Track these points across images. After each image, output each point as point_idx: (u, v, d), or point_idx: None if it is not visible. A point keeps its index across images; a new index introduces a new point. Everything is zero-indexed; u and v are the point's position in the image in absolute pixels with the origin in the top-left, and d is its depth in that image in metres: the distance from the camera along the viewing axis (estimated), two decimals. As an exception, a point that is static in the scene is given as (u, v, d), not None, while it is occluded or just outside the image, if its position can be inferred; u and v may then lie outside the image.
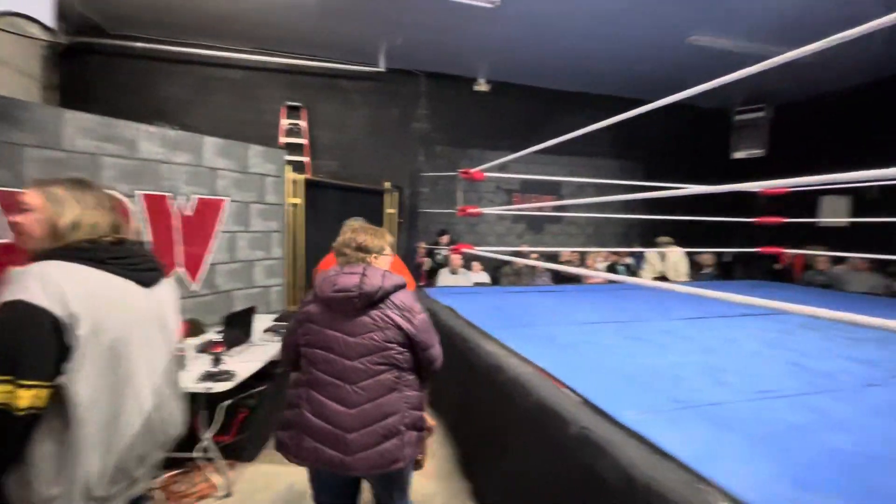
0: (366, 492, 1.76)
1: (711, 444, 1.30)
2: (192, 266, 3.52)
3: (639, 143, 7.15)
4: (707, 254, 5.64)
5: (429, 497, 2.42)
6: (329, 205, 5.37)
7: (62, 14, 4.55)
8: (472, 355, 2.31)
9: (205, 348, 2.64)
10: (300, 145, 5.83)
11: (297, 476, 2.61)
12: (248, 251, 3.97)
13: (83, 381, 1.01)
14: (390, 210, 6.02)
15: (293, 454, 1.47)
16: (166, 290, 1.27)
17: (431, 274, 5.67)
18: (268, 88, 5.83)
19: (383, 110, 6.29)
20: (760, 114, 6.72)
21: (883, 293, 4.76)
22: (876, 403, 1.63)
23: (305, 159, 5.81)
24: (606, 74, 6.23)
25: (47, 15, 4.36)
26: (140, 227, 3.16)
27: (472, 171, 3.49)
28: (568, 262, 5.83)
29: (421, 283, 5.17)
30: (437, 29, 4.99)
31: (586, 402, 1.58)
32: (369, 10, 4.57)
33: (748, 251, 4.44)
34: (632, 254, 6.13)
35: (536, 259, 5.70)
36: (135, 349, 1.13)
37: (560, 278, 5.53)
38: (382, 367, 1.46)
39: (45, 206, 1.07)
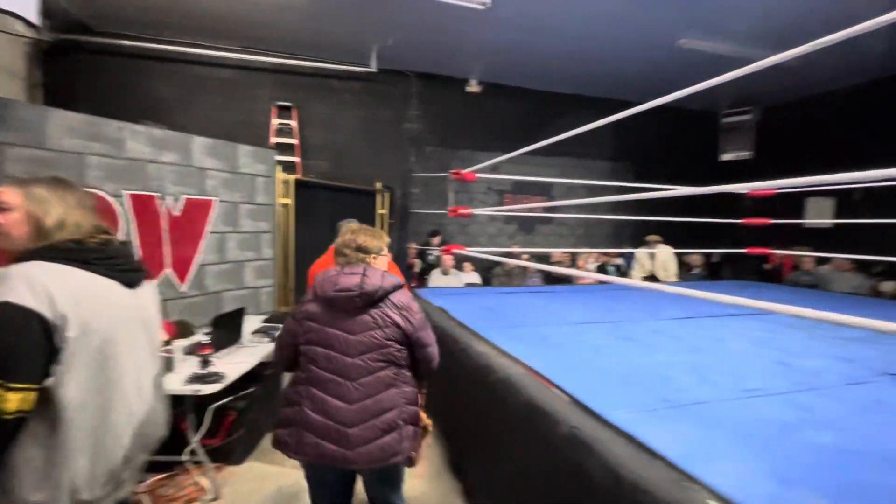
0: (360, 493, 1.76)
1: (698, 443, 1.31)
2: (181, 267, 3.48)
3: (629, 144, 7.21)
4: (696, 254, 5.70)
5: (421, 497, 2.42)
6: (320, 205, 5.35)
7: (47, 11, 4.49)
8: (463, 356, 2.31)
9: (193, 350, 2.62)
10: (291, 145, 5.79)
11: (287, 479, 2.60)
12: (237, 252, 3.94)
13: (72, 383, 1.00)
14: (381, 211, 6.01)
15: (294, 451, 1.49)
16: (149, 291, 1.26)
17: (423, 274, 5.67)
18: (258, 88, 5.78)
19: (375, 111, 6.28)
20: (747, 116, 6.82)
21: (866, 293, 4.86)
22: (859, 401, 1.66)
23: (296, 159, 5.78)
24: (597, 76, 6.27)
25: (32, 12, 4.31)
26: (121, 227, 3.12)
27: (464, 171, 3.50)
28: (559, 263, 5.86)
29: (413, 284, 5.17)
30: (428, 30, 4.99)
31: (576, 402, 1.59)
32: (360, 10, 4.56)
33: (736, 252, 4.50)
34: (622, 254, 6.18)
35: (527, 260, 5.73)
36: (122, 350, 1.12)
37: (551, 279, 5.56)
38: (381, 364, 1.51)
39: (27, 206, 1.05)
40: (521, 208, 6.34)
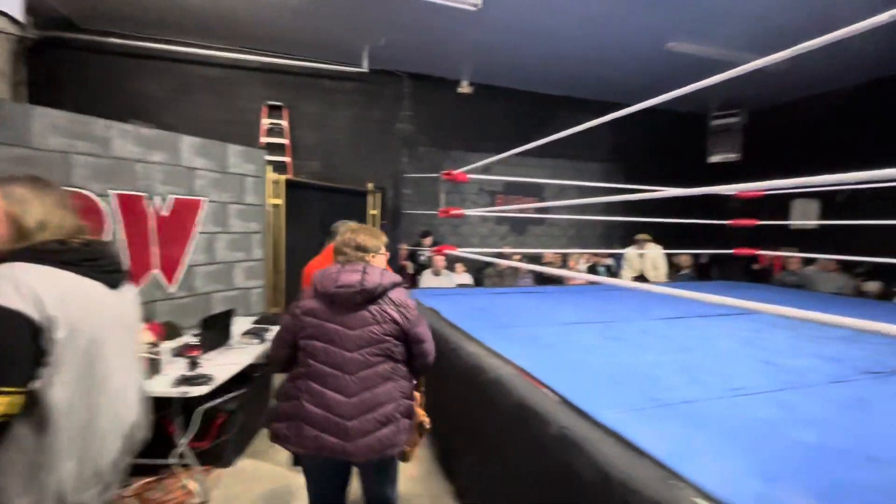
0: (354, 492, 1.79)
1: (685, 441, 1.32)
2: (169, 268, 3.44)
3: (619, 146, 7.28)
4: (685, 255, 5.77)
5: (412, 498, 2.42)
6: (311, 206, 5.32)
7: (32, 8, 4.41)
8: (454, 356, 2.31)
9: (180, 352, 2.59)
10: (282, 145, 5.75)
11: (277, 481, 2.58)
12: (227, 253, 3.90)
13: (60, 385, 0.99)
14: (373, 211, 5.99)
15: (293, 444, 1.53)
16: (130, 292, 1.25)
17: (415, 275, 5.66)
18: (248, 87, 5.74)
19: (366, 111, 6.26)
20: (735, 119, 6.91)
21: (850, 293, 4.95)
22: (842, 399, 1.69)
23: (287, 159, 5.75)
24: (588, 78, 6.32)
25: (16, 8, 4.23)
26: (108, 227, 3.08)
27: (455, 172, 3.50)
28: (550, 264, 5.89)
29: (405, 285, 5.15)
30: (419, 30, 4.99)
31: (566, 402, 1.60)
32: (352, 9, 4.54)
33: (724, 252, 4.56)
34: (612, 255, 6.23)
35: (519, 260, 5.75)
36: (108, 351, 1.11)
37: (542, 279, 5.59)
38: (379, 359, 1.56)
39: (6, 206, 1.03)
40: (512, 209, 6.36)
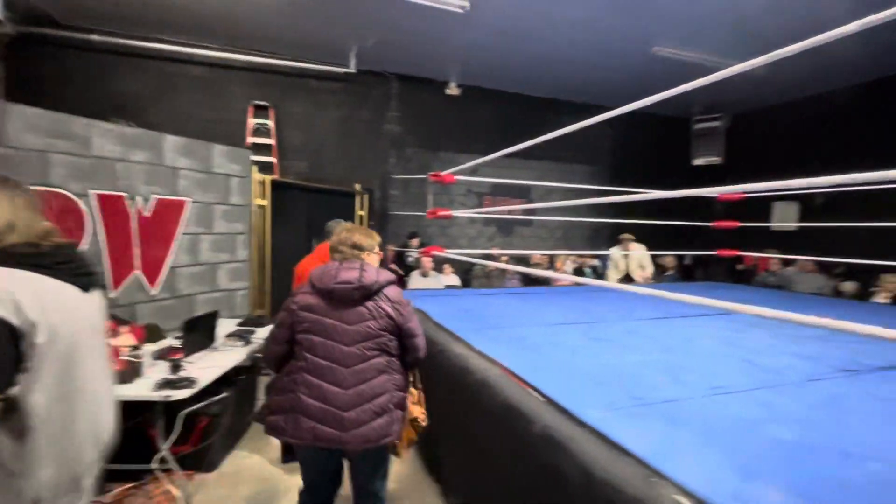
0: (345, 492, 1.82)
1: (666, 440, 1.35)
2: (151, 269, 3.39)
3: (605, 148, 7.36)
4: (669, 256, 5.86)
5: (399, 497, 2.42)
6: (297, 207, 5.27)
7: (9, 3, 4.30)
8: (442, 357, 2.31)
9: (162, 355, 2.55)
10: (268, 146, 5.69)
11: (260, 484, 2.56)
12: (211, 254, 3.85)
13: (39, 391, 0.97)
14: (361, 212, 5.96)
15: (290, 435, 1.59)
16: (99, 295, 1.24)
17: (403, 277, 5.65)
18: (234, 87, 5.67)
19: (354, 111, 6.23)
20: (717, 123, 7.04)
21: (828, 293, 5.08)
22: (817, 397, 1.73)
23: (273, 160, 5.69)
24: (574, 81, 6.38)
25: (-8, 3, 4.12)
26: (87, 228, 3.02)
27: (443, 174, 3.51)
28: (538, 265, 5.93)
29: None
30: (407, 31, 4.99)
31: (550, 402, 1.61)
32: (339, 9, 4.52)
33: (707, 254, 4.64)
34: (598, 256, 6.29)
35: (507, 262, 5.78)
36: (83, 355, 1.10)
37: (530, 280, 5.62)
38: (375, 353, 1.64)
39: None
40: (500, 210, 6.39)
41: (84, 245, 2.96)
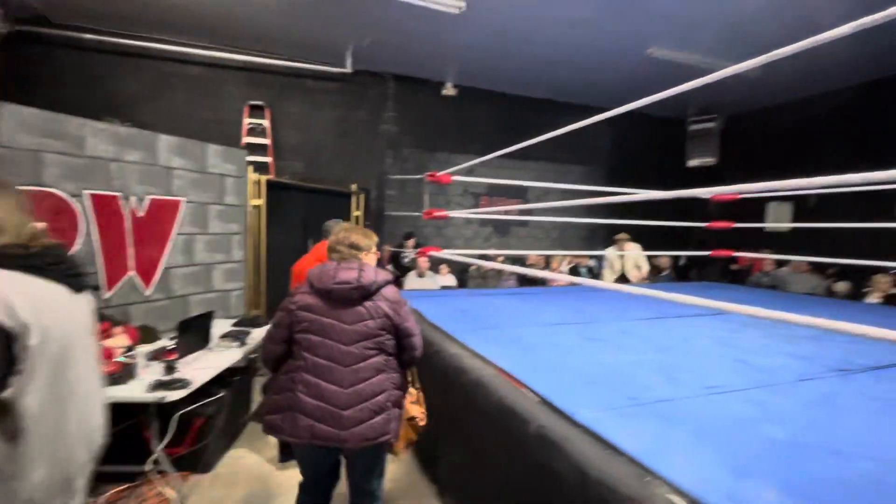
0: (342, 492, 1.83)
1: (660, 439, 1.35)
2: (146, 270, 3.37)
3: (601, 149, 7.39)
4: (664, 256, 5.88)
5: (395, 496, 2.42)
6: (293, 207, 5.26)
7: (2, 1, 4.27)
8: (437, 358, 2.31)
9: (157, 356, 2.54)
10: (263, 145, 5.68)
11: (256, 485, 2.55)
12: (206, 254, 3.84)
13: (33, 392, 0.97)
14: (357, 212, 5.95)
15: (288, 434, 1.60)
16: (89, 297, 1.24)
17: (399, 277, 5.64)
18: (229, 86, 5.65)
19: (350, 112, 6.22)
20: (712, 124, 7.07)
21: (822, 293, 5.12)
22: (809, 396, 1.75)
23: (268, 160, 5.67)
24: (570, 83, 6.40)
25: (-16, 1, 4.09)
26: (81, 228, 3.00)
27: (439, 174, 3.51)
28: (534, 265, 5.94)
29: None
30: (403, 32, 4.99)
31: (545, 402, 1.62)
32: (335, 9, 4.52)
33: (702, 254, 4.66)
34: (594, 256, 6.31)
35: (503, 262, 5.78)
36: (75, 357, 1.09)
37: (526, 281, 5.63)
38: (373, 352, 1.65)
39: None
40: (496, 211, 6.40)
41: (77, 245, 2.94)
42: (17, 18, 4.59)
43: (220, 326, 3.23)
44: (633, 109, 1.89)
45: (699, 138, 7.11)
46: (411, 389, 1.93)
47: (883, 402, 1.71)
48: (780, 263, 5.60)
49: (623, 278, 5.44)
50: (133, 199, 3.26)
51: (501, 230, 7.19)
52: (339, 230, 1.85)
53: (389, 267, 5.76)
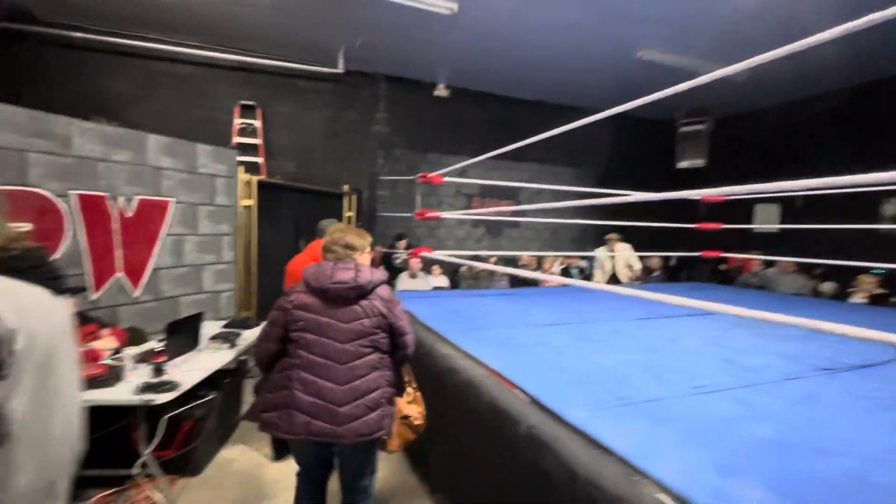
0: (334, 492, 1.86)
1: (648, 438, 1.36)
2: (134, 271, 3.33)
3: (592, 151, 7.43)
4: (655, 257, 5.93)
5: (386, 495, 2.41)
6: (284, 207, 5.23)
7: (-14, -2, 4.21)
8: (429, 359, 2.31)
9: (145, 358, 2.51)
10: (254, 146, 5.64)
11: (245, 488, 2.53)
12: (196, 255, 3.80)
13: (20, 396, 0.95)
14: (349, 213, 5.94)
15: (284, 431, 1.63)
16: (68, 299, 1.22)
17: (391, 279, 5.63)
18: (220, 86, 5.61)
19: (342, 112, 6.21)
20: (701, 126, 7.14)
21: (808, 294, 5.19)
22: (795, 395, 1.77)
23: (260, 160, 5.64)
24: (562, 85, 6.44)
25: (-32, -2, 4.02)
26: (67, 229, 2.96)
27: (431, 175, 3.52)
28: (526, 266, 5.96)
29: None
30: (395, 33, 4.99)
31: (535, 402, 1.62)
32: (327, 10, 4.50)
33: (692, 255, 4.71)
34: (585, 257, 6.35)
35: (495, 263, 5.80)
36: (58, 359, 1.08)
37: (518, 282, 5.65)
38: (368, 350, 1.69)
39: None
40: (488, 212, 6.42)
41: (64, 246, 2.90)
42: (3, 16, 4.52)
43: (209, 328, 3.20)
44: (623, 112, 1.91)
45: (689, 140, 7.17)
46: (409, 389, 1.95)
47: (867, 401, 1.74)
48: (768, 264, 5.68)
49: (614, 278, 5.47)
50: (121, 199, 3.23)
51: (493, 231, 7.21)
52: (333, 230, 1.88)
53: (381, 269, 5.74)
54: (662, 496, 1.08)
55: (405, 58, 5.74)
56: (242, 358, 3.18)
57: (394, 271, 5.67)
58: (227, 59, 5.49)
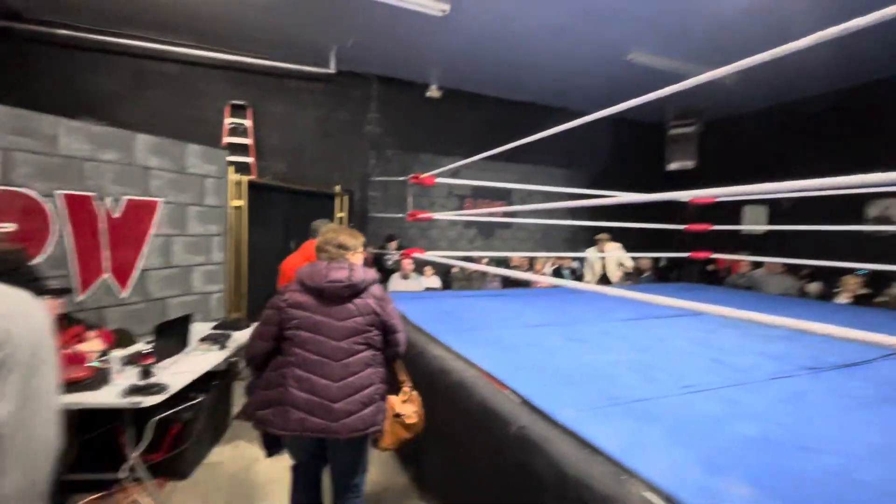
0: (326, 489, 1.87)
1: (636, 437, 1.38)
2: (122, 272, 3.29)
3: (583, 153, 7.48)
4: (645, 258, 5.98)
5: (377, 495, 2.41)
6: (275, 208, 5.20)
7: (-30, -6, 4.13)
8: (421, 359, 2.31)
9: (132, 360, 2.47)
10: (245, 146, 5.60)
11: (234, 491, 2.51)
12: (185, 256, 3.77)
13: (6, 398, 0.95)
14: (340, 214, 5.91)
15: (279, 427, 1.66)
16: (47, 301, 1.22)
17: (383, 280, 5.61)
18: (210, 85, 5.56)
19: (333, 112, 6.18)
20: (691, 129, 7.23)
21: (795, 294, 5.27)
22: (781, 394, 1.80)
23: (250, 160, 5.59)
24: (553, 86, 6.48)
25: (-49, -6, 3.95)
26: (53, 229, 2.91)
27: (423, 176, 3.52)
28: (517, 267, 5.98)
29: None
30: (387, 34, 4.99)
31: (526, 402, 1.63)
32: (318, 10, 4.49)
33: (681, 256, 4.76)
34: (576, 258, 6.38)
35: (487, 264, 5.81)
36: (41, 360, 1.08)
37: (509, 282, 5.66)
38: (362, 347, 1.73)
39: None
40: (480, 212, 6.43)
41: (50, 247, 2.85)
42: (-13, 12, 4.44)
43: (199, 330, 3.17)
44: (613, 114, 1.93)
45: (678, 142, 7.25)
46: (405, 388, 1.97)
47: (851, 399, 1.77)
48: (756, 265, 5.75)
49: (604, 278, 5.51)
50: (108, 199, 3.19)
51: (485, 232, 7.23)
52: (326, 230, 1.91)
53: (373, 268, 5.72)
54: (650, 495, 1.10)
55: (397, 58, 5.74)
56: (232, 360, 3.15)
57: (386, 273, 5.65)
58: (217, 58, 5.44)
